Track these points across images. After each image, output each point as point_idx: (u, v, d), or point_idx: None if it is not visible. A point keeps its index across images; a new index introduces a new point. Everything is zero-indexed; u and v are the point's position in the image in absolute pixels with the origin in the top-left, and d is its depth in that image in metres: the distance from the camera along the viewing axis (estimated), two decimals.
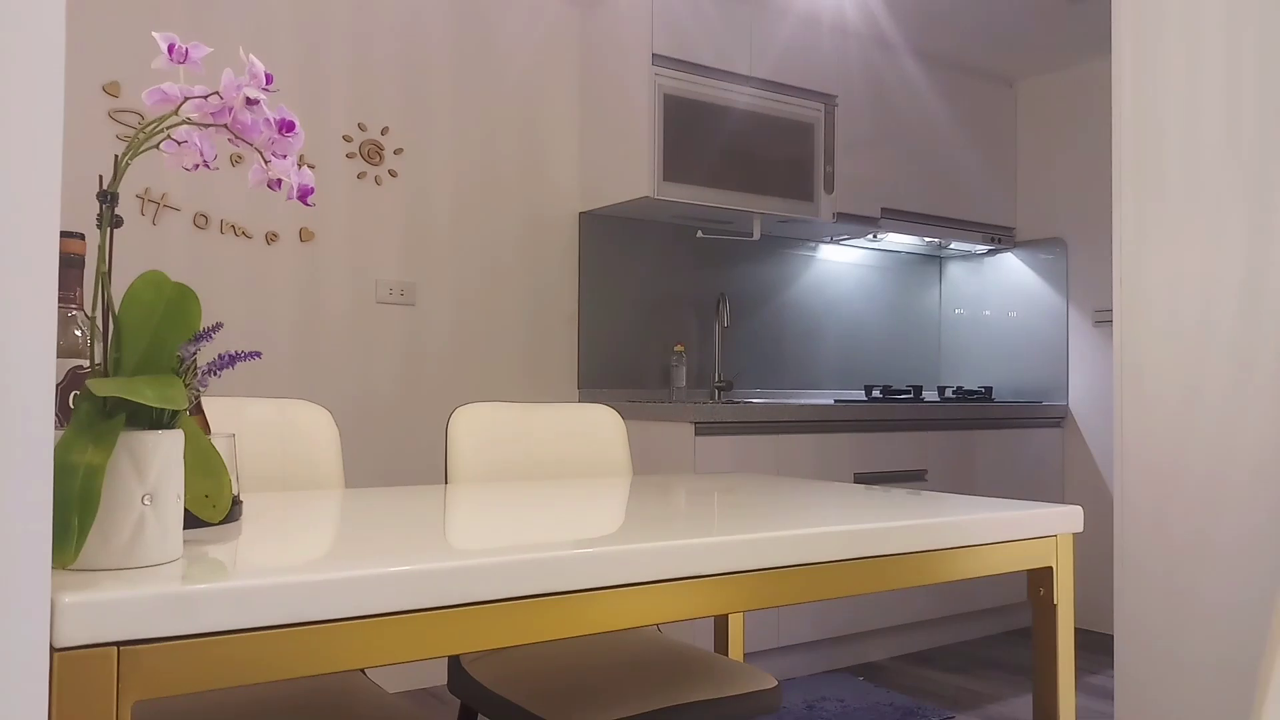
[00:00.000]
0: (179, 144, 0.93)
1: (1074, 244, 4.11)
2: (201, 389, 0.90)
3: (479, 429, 1.86)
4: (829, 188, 3.60)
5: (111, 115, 2.68)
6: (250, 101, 0.89)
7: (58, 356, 0.92)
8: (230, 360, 0.90)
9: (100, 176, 0.89)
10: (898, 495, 1.54)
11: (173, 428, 0.86)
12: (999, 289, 4.37)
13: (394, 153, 3.14)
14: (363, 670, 1.53)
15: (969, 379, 4.45)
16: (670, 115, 3.22)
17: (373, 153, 3.10)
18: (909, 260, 4.44)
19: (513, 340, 3.36)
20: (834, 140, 3.64)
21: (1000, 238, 4.27)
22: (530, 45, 3.43)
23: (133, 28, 2.72)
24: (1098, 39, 3.83)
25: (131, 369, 0.87)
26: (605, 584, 0.97)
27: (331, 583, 0.82)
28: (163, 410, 0.85)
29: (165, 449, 0.84)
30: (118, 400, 0.82)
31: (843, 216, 3.70)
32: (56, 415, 0.91)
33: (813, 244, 4.08)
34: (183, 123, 0.90)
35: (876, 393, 3.88)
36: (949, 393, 4.06)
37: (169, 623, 0.74)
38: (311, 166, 3.00)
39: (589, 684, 1.46)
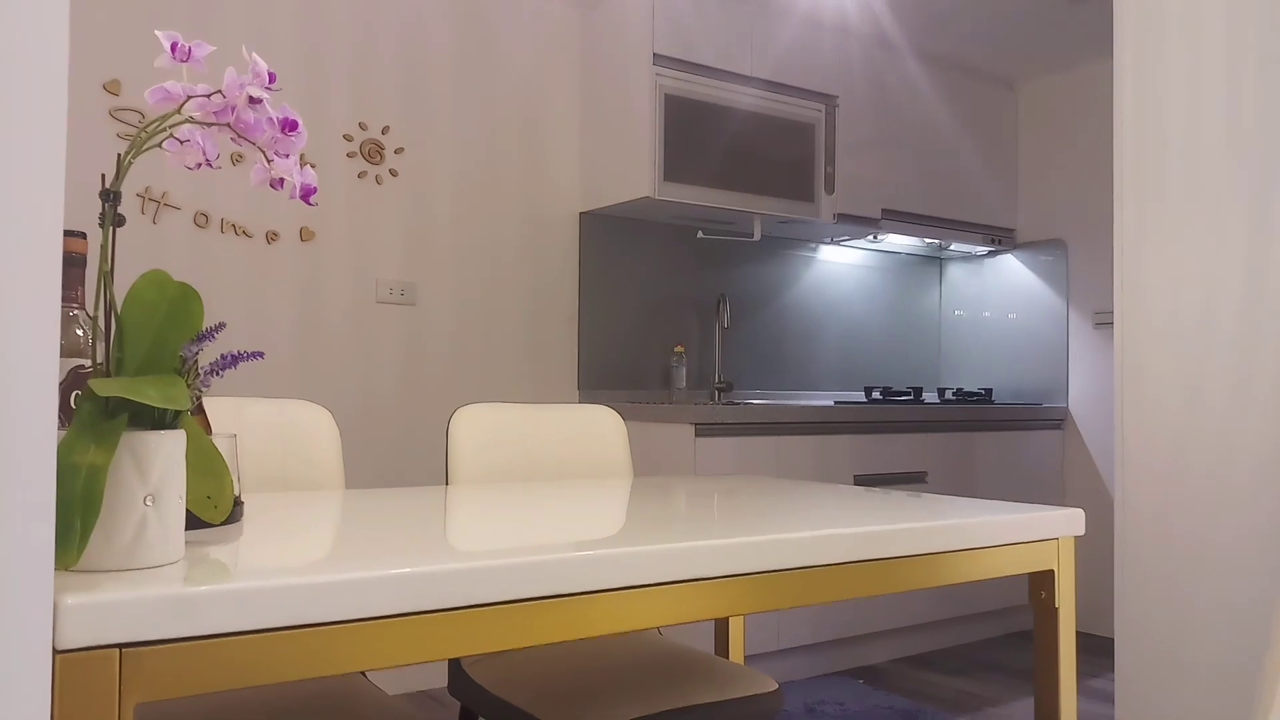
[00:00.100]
0: (181, 143, 0.92)
1: (1074, 245, 4.11)
2: (204, 389, 0.90)
3: (480, 430, 1.86)
4: (829, 188, 3.60)
5: (112, 114, 2.68)
6: (253, 100, 0.89)
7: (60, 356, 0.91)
8: (233, 360, 0.90)
9: (103, 175, 0.89)
10: (898, 497, 1.53)
11: (175, 428, 0.85)
12: (999, 290, 4.37)
13: (395, 152, 3.13)
14: (363, 672, 1.53)
15: (969, 381, 4.45)
16: (671, 115, 3.22)
17: (373, 152, 3.10)
18: (909, 261, 4.44)
19: (513, 340, 3.36)
20: (835, 141, 3.64)
21: (1000, 239, 4.27)
22: (531, 45, 3.43)
23: (133, 26, 2.72)
24: (1098, 41, 3.83)
25: (134, 369, 0.86)
26: (607, 586, 0.97)
27: (333, 585, 0.81)
28: (165, 410, 0.84)
29: (168, 449, 0.83)
30: (120, 400, 0.81)
31: (843, 217, 3.70)
32: (58, 415, 0.90)
33: (813, 245, 4.08)
34: (185, 121, 0.90)
35: (876, 394, 3.88)
36: (949, 394, 4.06)
37: (171, 625, 0.74)
38: (312, 166, 2.98)
39: (590, 686, 1.46)
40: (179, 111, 0.89)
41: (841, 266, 4.18)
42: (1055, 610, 1.37)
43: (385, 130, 3.11)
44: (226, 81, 0.89)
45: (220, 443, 1.04)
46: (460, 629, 0.88)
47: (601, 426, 2.01)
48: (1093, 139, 4.07)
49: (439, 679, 3.09)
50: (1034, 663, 1.39)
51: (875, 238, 3.98)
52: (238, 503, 1.13)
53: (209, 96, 0.89)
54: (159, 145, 0.90)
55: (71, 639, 0.70)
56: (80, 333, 1.02)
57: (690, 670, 1.55)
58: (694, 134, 3.27)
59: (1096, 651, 3.61)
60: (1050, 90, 4.25)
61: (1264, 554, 1.83)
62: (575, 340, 3.49)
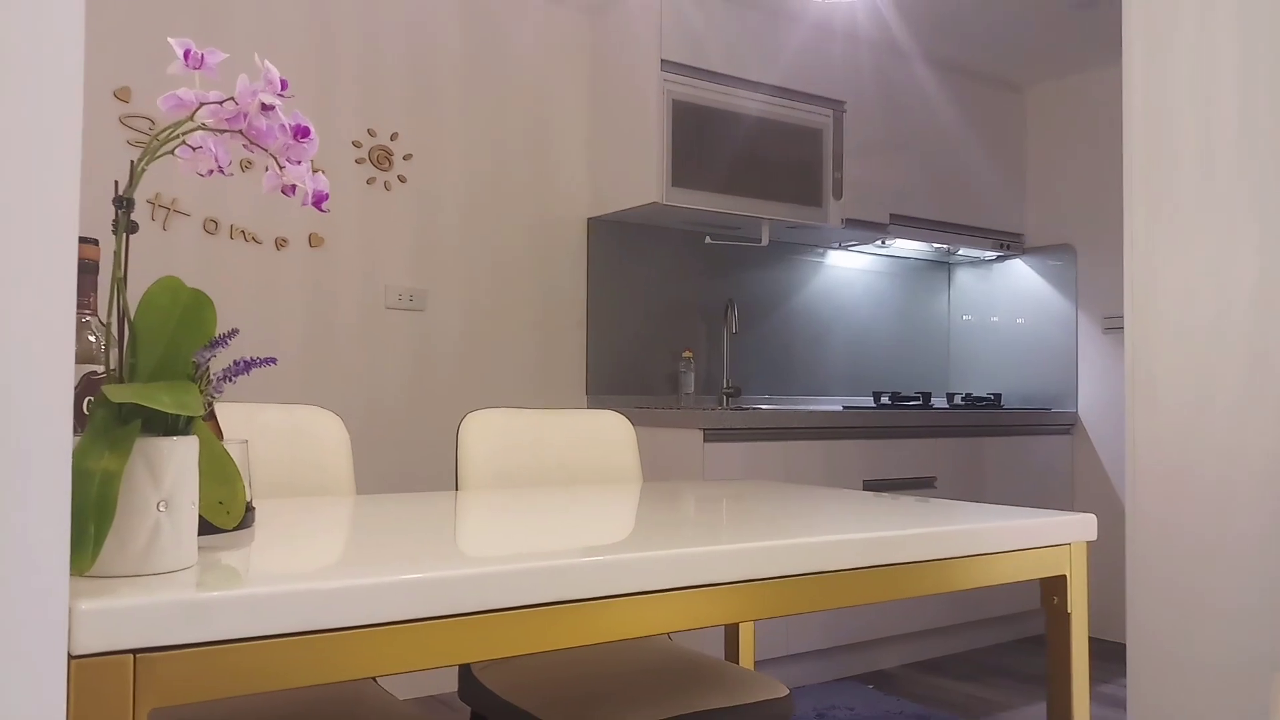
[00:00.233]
0: (194, 149, 0.93)
1: (1083, 250, 4.10)
2: (216, 395, 0.90)
3: (490, 435, 1.86)
4: (838, 194, 3.60)
5: (122, 120, 2.69)
6: (265, 107, 0.90)
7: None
8: (246, 366, 0.90)
9: (116, 182, 0.89)
10: (908, 503, 1.53)
11: (188, 434, 0.85)
12: (1008, 295, 4.36)
13: (403, 158, 3.14)
14: (373, 677, 1.53)
15: (978, 386, 4.43)
16: (679, 121, 3.22)
17: (382, 158, 3.11)
18: (917, 266, 4.44)
19: (521, 346, 3.36)
20: (843, 146, 3.64)
21: (1009, 244, 4.26)
22: (540, 51, 3.44)
23: (143, 34, 2.73)
24: (1106, 45, 3.83)
25: (147, 375, 0.87)
26: (617, 592, 0.96)
27: (344, 590, 0.81)
28: (178, 416, 0.85)
29: (180, 455, 0.84)
30: (133, 406, 0.81)
31: (851, 222, 3.69)
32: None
33: (821, 250, 4.08)
34: (198, 128, 0.90)
35: (885, 399, 3.87)
36: (958, 399, 4.05)
37: (184, 630, 0.74)
38: (321, 172, 3.00)
39: (600, 692, 1.46)
40: (192, 118, 0.89)
41: (850, 272, 4.18)
42: (1068, 615, 1.37)
43: (394, 136, 3.12)
44: (239, 88, 0.90)
45: (232, 448, 1.04)
46: (471, 634, 0.88)
47: (611, 432, 2.01)
48: (1101, 143, 4.06)
49: (449, 684, 3.09)
50: (1047, 668, 1.38)
51: (883, 243, 3.98)
52: (249, 508, 1.13)
53: (221, 103, 0.90)
54: (171, 152, 0.91)
55: (86, 644, 0.70)
56: (93, 339, 1.02)
57: (701, 676, 1.55)
58: (702, 139, 3.27)
59: (1108, 656, 3.59)
60: (1058, 94, 4.24)
61: (1274, 559, 1.82)
62: (583, 346, 3.49)
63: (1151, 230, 2.03)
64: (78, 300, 0.99)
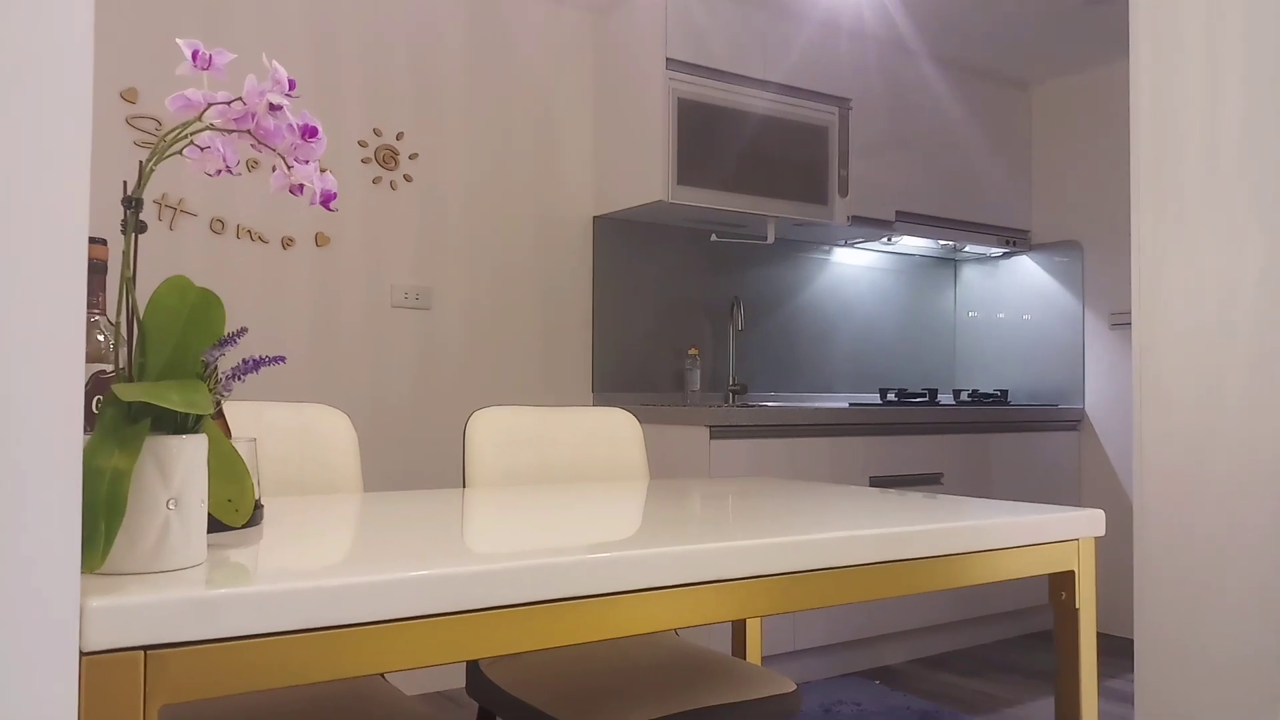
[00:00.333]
0: (202, 150, 0.93)
1: (1090, 247, 4.09)
2: (225, 394, 0.91)
3: (497, 433, 1.87)
4: (843, 191, 3.59)
5: (129, 121, 2.70)
6: (273, 107, 0.90)
7: None
8: (255, 365, 0.90)
9: (124, 182, 0.89)
10: (915, 499, 1.53)
11: (197, 432, 0.86)
12: (1014, 292, 4.35)
13: (409, 157, 3.15)
14: (381, 674, 1.53)
15: (984, 382, 4.43)
16: (684, 119, 3.22)
17: (388, 158, 3.11)
18: (924, 263, 4.43)
19: (527, 344, 3.37)
20: (849, 144, 3.64)
21: (1015, 240, 4.26)
22: (544, 50, 3.44)
23: (149, 35, 2.74)
24: (1112, 42, 3.82)
25: (156, 374, 0.87)
26: (624, 588, 0.97)
27: (352, 587, 0.82)
28: (187, 415, 0.85)
29: (190, 453, 0.84)
30: (142, 405, 0.82)
31: (857, 220, 3.69)
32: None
33: (827, 247, 4.08)
34: (207, 128, 0.90)
35: (891, 396, 3.87)
36: (964, 396, 4.05)
37: (194, 627, 0.74)
38: (328, 171, 3.01)
39: (607, 687, 1.46)
40: (200, 118, 0.90)
41: (856, 269, 4.18)
42: (1076, 611, 1.37)
43: (399, 136, 3.13)
44: (247, 88, 0.90)
45: (240, 447, 1.05)
46: (478, 631, 0.89)
47: (618, 429, 2.02)
48: (1107, 140, 4.05)
49: (457, 680, 3.10)
50: (1055, 664, 1.39)
51: (889, 240, 3.97)
52: (258, 506, 1.13)
53: (229, 104, 0.90)
54: (180, 152, 0.91)
55: (97, 641, 0.70)
56: (102, 338, 1.03)
57: (708, 671, 1.55)
58: (707, 137, 3.27)
59: (1115, 652, 3.58)
60: (1064, 91, 4.23)
61: None
62: (589, 344, 3.50)
63: (1159, 228, 2.03)
64: (87, 300, 1.00)
